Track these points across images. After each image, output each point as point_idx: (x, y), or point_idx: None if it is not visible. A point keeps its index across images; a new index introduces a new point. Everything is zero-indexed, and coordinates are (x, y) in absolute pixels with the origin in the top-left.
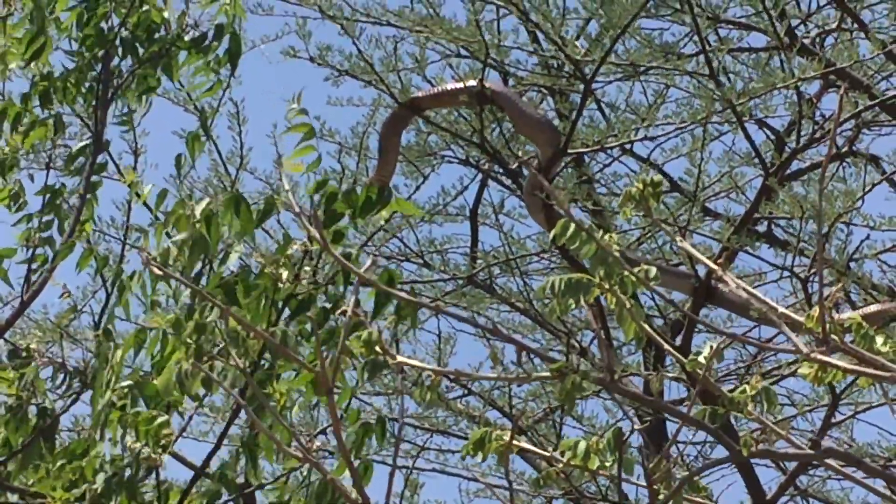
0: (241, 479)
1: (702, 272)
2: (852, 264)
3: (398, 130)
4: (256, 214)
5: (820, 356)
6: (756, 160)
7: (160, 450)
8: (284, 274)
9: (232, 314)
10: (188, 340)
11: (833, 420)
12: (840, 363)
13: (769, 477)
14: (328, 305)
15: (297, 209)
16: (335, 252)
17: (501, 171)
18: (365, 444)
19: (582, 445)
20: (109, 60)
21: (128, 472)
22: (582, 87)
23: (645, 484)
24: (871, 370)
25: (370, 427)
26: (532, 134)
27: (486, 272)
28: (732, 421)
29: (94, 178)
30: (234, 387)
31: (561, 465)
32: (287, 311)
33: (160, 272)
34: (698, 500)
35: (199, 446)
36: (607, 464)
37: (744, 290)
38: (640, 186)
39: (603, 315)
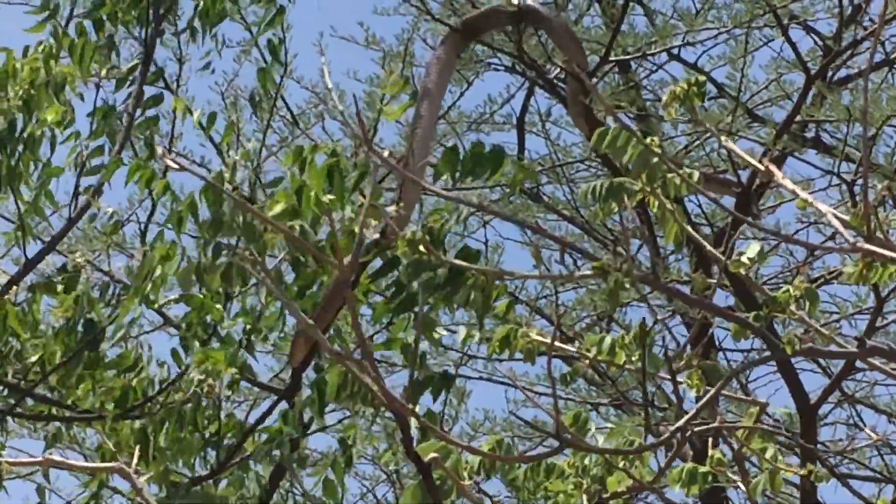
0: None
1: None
2: None
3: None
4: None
5: (866, 245)
6: (801, 66)
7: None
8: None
9: (250, 209)
10: (206, 235)
11: (878, 324)
12: (885, 251)
13: (815, 385)
14: None
15: (345, 118)
16: (377, 150)
17: (541, 82)
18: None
19: (607, 340)
20: None
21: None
22: None
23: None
24: None
25: (433, 380)
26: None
27: (533, 180)
28: (780, 328)
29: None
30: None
31: (587, 361)
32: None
33: (174, 165)
34: (743, 397)
35: None
36: (634, 358)
37: (791, 189)
38: (685, 86)
39: (650, 222)
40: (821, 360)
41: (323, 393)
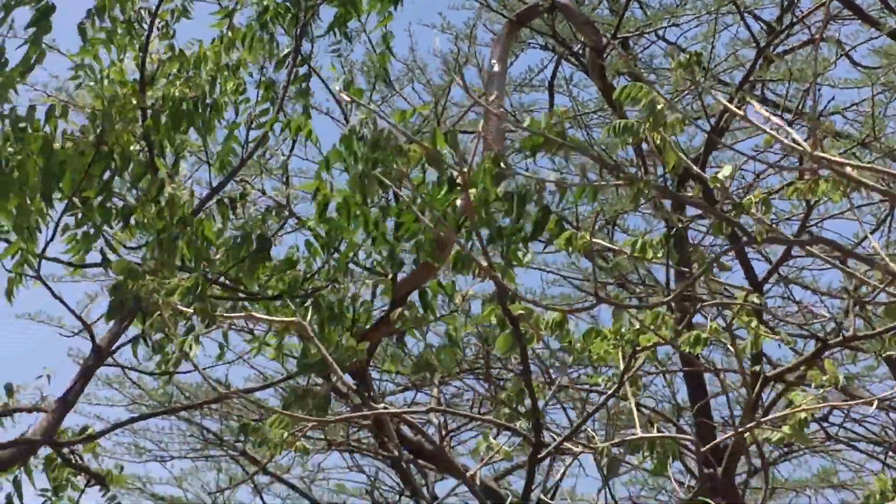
0: None
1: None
2: (822, 118)
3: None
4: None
5: (819, 153)
6: (752, 43)
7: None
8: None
9: (402, 131)
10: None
11: (807, 225)
12: (836, 158)
13: (760, 269)
14: None
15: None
16: (475, 96)
17: (567, 56)
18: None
19: (640, 241)
20: None
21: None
22: None
23: (680, 267)
24: (853, 174)
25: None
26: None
27: (560, 126)
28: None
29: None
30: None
31: (625, 256)
32: None
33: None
34: (719, 281)
35: None
36: (659, 255)
37: (763, 114)
38: (688, 57)
39: (642, 154)
40: (763, 252)
41: (425, 294)
